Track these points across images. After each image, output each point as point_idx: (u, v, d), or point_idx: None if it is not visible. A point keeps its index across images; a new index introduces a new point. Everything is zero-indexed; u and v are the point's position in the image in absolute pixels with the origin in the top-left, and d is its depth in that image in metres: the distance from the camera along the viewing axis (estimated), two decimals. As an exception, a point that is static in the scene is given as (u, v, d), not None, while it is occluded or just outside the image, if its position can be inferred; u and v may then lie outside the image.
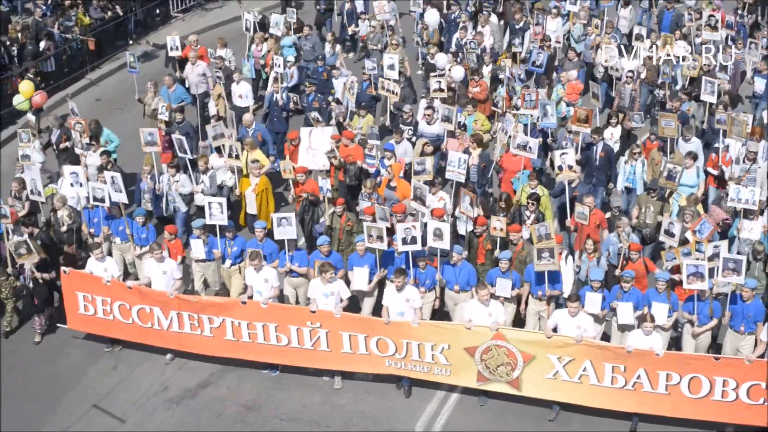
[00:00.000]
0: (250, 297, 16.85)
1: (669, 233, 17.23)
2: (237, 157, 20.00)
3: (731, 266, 15.72)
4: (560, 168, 18.58)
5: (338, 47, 26.40)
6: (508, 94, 22.21)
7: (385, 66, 22.96)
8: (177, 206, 19.89)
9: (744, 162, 19.44)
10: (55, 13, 29.54)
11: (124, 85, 26.86)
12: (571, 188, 19.02)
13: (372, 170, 19.77)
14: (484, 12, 27.33)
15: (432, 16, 26.75)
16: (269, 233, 17.65)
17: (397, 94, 22.16)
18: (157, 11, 33.64)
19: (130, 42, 31.51)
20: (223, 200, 17.73)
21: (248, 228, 19.65)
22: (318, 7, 30.22)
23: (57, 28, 28.77)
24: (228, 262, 17.83)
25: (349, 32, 29.01)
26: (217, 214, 17.56)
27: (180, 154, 20.00)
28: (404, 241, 16.73)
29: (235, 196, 20.21)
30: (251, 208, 19.75)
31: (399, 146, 20.40)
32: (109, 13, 31.01)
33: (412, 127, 21.65)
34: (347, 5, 29.04)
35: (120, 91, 27.28)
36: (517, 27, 26.47)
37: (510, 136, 19.95)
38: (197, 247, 17.83)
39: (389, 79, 22.36)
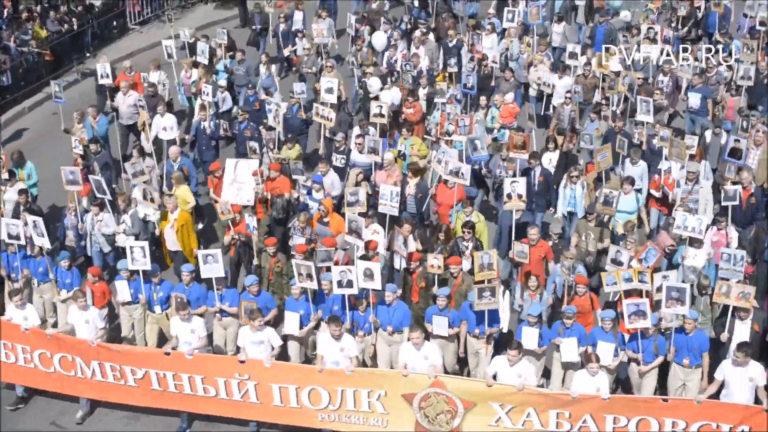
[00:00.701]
0: (174, 348, 15.34)
1: (617, 261, 16.10)
2: (152, 199, 18.50)
3: (675, 296, 14.55)
4: (509, 196, 17.31)
5: (273, 68, 24.81)
6: (443, 120, 20.84)
7: (323, 90, 21.52)
8: (100, 247, 18.28)
9: (686, 183, 18.26)
10: (11, 27, 28.23)
11: (84, 98, 25.62)
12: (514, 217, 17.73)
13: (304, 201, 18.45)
14: (420, 30, 25.73)
15: (379, 39, 25.17)
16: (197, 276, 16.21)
17: (332, 120, 20.71)
18: (114, 24, 32.24)
19: (87, 55, 30.13)
20: (146, 244, 16.20)
21: (174, 270, 18.10)
22: (252, 27, 28.44)
23: (13, 41, 27.44)
24: (156, 308, 16.35)
25: (285, 53, 27.23)
26: (140, 258, 16.00)
27: (98, 195, 18.32)
28: (339, 284, 15.34)
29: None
30: (171, 245, 18.24)
31: (326, 177, 18.94)
32: (66, 26, 29.63)
33: (344, 156, 20.14)
34: (282, 26, 27.33)
35: (80, 104, 25.22)
36: (450, 45, 25.07)
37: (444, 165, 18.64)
38: (122, 290, 16.35)
39: (324, 104, 20.94)
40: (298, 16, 27.95)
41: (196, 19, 32.82)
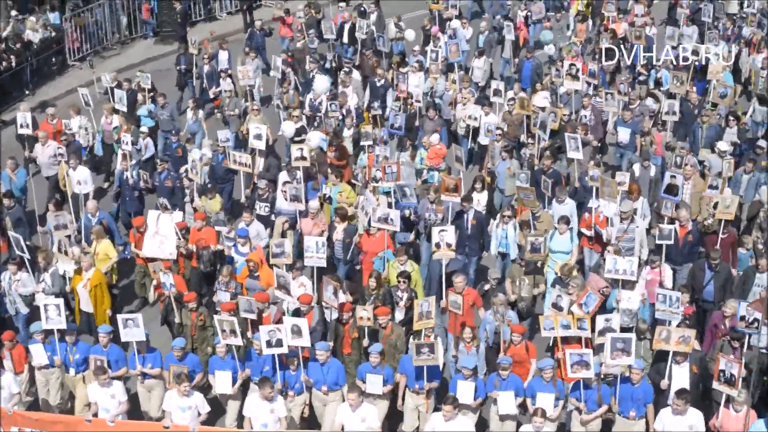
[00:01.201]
0: (95, 414, 14.21)
1: (557, 306, 15.35)
2: (68, 253, 17.33)
3: (620, 346, 13.85)
4: (437, 245, 16.35)
5: (200, 113, 23.49)
6: (371, 163, 19.96)
7: (251, 136, 20.47)
8: (17, 308, 17.02)
9: (621, 222, 17.52)
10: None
11: (6, 147, 24.27)
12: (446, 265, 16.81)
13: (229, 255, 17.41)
14: (345, 69, 24.65)
15: (321, 83, 23.75)
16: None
17: (249, 166, 19.64)
18: (54, 60, 30.72)
19: (26, 92, 28.74)
20: (61, 301, 15.16)
21: (86, 331, 16.90)
22: (178, 67, 27.06)
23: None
24: (72, 370, 15.19)
25: (211, 94, 25.92)
26: (54, 317, 14.95)
27: (17, 252, 17.07)
28: (269, 344, 14.36)
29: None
30: (84, 305, 16.98)
31: (251, 227, 17.87)
32: (4, 63, 28.21)
33: (268, 204, 18.99)
34: (206, 66, 26.12)
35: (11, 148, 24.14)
36: (378, 84, 24.12)
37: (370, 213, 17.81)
38: (37, 353, 15.15)
39: (243, 151, 20.01)
40: (223, 55, 26.85)
41: (135, 55, 31.70)
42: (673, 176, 17.93)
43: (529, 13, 28.75)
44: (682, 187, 17.97)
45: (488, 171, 20.61)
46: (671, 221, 17.44)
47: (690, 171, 18.99)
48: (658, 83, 23.98)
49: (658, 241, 16.97)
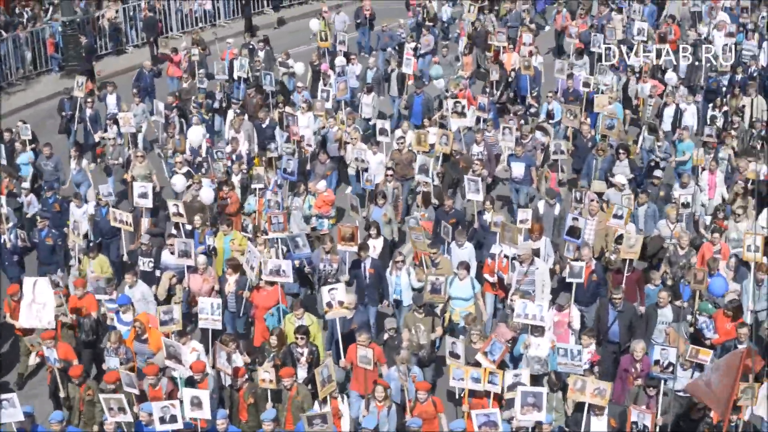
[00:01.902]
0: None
1: (453, 354, 14.33)
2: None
3: (530, 401, 12.91)
4: (329, 305, 15.08)
5: (84, 162, 21.77)
6: (260, 208, 18.67)
7: (136, 194, 18.94)
8: None
9: (521, 265, 16.53)
10: None
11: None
12: (348, 321, 15.57)
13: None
14: (234, 111, 23.09)
15: (194, 135, 22.05)
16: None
17: (130, 224, 18.17)
18: None
19: None
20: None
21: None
22: (62, 113, 24.88)
23: None
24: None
25: (96, 138, 24.00)
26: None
27: None
28: (162, 420, 13.04)
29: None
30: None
31: (134, 290, 16.40)
32: None
33: (152, 259, 17.46)
34: (89, 110, 24.22)
35: None
36: (264, 126, 22.68)
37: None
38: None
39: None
40: (111, 99, 24.98)
41: (42, 90, 29.86)
42: (575, 218, 16.96)
43: (418, 46, 27.81)
44: (584, 229, 16.98)
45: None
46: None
47: (595, 207, 18.11)
48: (549, 116, 23.05)
49: (568, 279, 16.08)
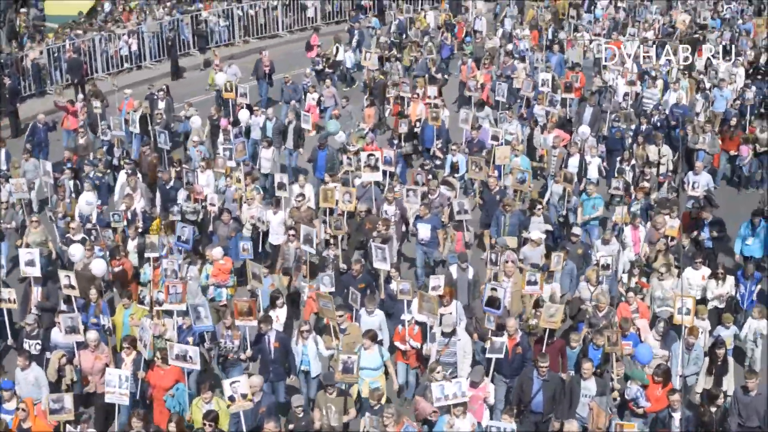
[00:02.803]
0: None
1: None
2: None
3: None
4: (231, 399, 13.58)
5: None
6: (156, 278, 17.18)
7: (22, 263, 17.17)
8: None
9: (441, 336, 15.39)
10: None
11: None
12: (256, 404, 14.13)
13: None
14: (126, 171, 21.38)
15: (84, 203, 20.31)
16: None
17: (14, 301, 16.58)
18: None
19: None
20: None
21: None
22: None
23: None
24: None
25: None
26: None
27: None
28: None
29: None
30: None
31: (27, 373, 14.76)
32: None
33: (38, 341, 15.75)
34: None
35: None
36: (167, 187, 21.14)
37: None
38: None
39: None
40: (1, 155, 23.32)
41: None
42: (494, 288, 15.64)
43: (321, 98, 26.62)
44: (503, 298, 15.87)
45: (284, 272, 18.15)
46: (499, 328, 15.37)
47: (510, 268, 17.08)
48: (454, 169, 22.08)
49: (488, 355, 14.98)
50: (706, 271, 17.45)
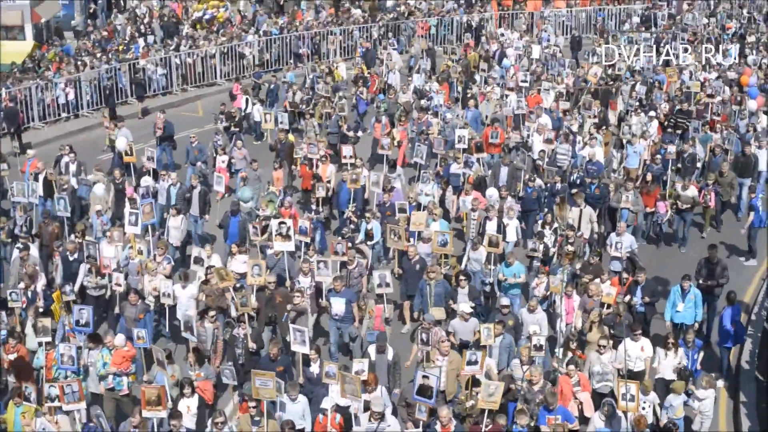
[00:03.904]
0: None
1: None
2: None
3: None
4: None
5: None
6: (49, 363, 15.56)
7: None
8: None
9: (369, 421, 14.20)
10: None
11: None
12: None
13: None
14: (18, 246, 19.73)
15: None
16: None
17: None
18: None
19: None
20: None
21: None
22: None
23: None
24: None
25: None
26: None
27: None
28: None
29: None
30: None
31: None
32: None
33: None
34: None
35: None
36: (71, 259, 19.50)
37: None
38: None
39: None
40: None
41: None
42: (425, 376, 14.35)
43: (232, 160, 25.25)
44: (436, 386, 14.53)
45: (198, 356, 16.57)
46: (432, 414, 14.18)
47: (446, 347, 15.89)
48: (368, 236, 20.78)
49: None
50: (645, 342, 16.56)
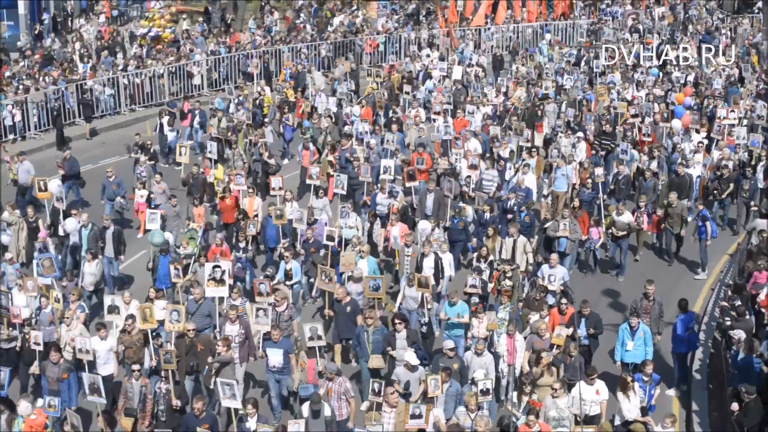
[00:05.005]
0: None
1: None
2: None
3: None
4: None
5: None
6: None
7: None
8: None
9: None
10: None
11: None
12: None
13: None
14: None
15: None
16: None
17: None
18: None
19: None
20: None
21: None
22: None
23: None
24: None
25: None
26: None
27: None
28: None
29: None
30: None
31: None
32: None
33: None
34: None
35: None
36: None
37: None
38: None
39: None
40: None
41: None
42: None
43: (152, 195, 23.59)
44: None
45: (126, 412, 15.33)
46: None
47: (394, 399, 14.75)
48: (288, 276, 19.39)
49: None
50: (600, 384, 15.56)
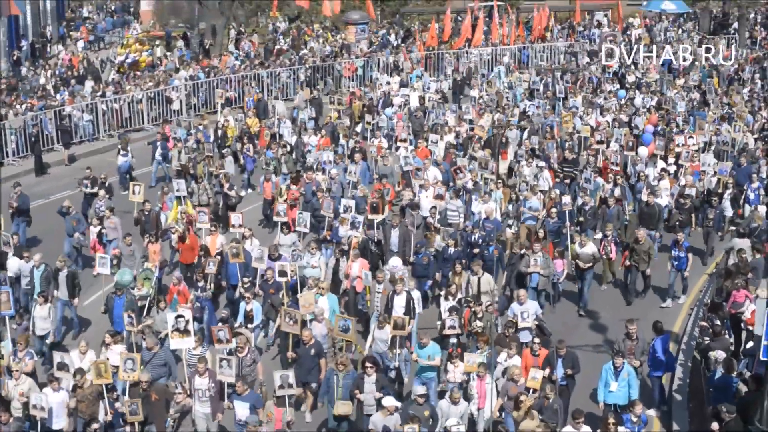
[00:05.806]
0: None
1: None
2: None
3: None
4: None
5: None
6: None
7: None
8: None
9: None
10: None
11: None
12: None
13: None
14: None
15: None
16: None
17: None
18: None
19: None
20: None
21: None
22: None
23: None
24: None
25: None
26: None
27: None
28: None
29: None
30: None
31: None
32: None
33: None
34: None
35: None
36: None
37: None
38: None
39: None
40: None
41: None
42: None
43: (103, 231, 22.40)
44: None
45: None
46: None
47: None
48: (248, 318, 18.42)
49: None
50: (586, 430, 14.70)
